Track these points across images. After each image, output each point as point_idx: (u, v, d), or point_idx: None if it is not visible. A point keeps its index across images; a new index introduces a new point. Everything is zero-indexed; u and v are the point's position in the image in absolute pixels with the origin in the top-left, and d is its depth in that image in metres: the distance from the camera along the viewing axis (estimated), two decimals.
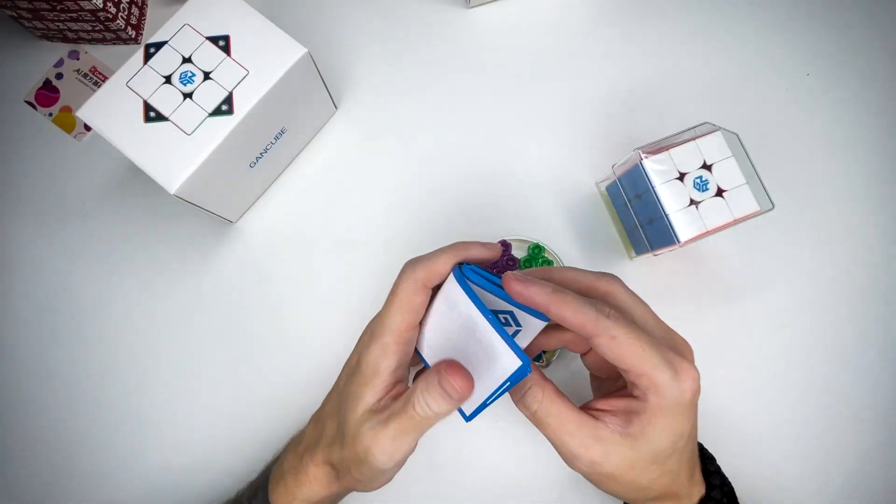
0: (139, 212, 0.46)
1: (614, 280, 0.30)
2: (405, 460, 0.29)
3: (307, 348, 0.44)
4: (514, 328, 0.30)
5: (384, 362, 0.29)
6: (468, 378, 0.26)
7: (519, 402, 0.29)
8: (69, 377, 0.44)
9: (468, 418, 0.29)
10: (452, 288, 0.28)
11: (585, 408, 0.29)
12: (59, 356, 0.44)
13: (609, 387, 0.32)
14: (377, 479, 0.30)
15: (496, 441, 0.43)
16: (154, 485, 0.43)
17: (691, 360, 0.28)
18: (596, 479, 0.28)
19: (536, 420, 0.28)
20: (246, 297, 0.45)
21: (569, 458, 0.28)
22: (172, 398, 0.44)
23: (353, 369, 0.31)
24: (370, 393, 0.29)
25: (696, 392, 0.27)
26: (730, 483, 0.32)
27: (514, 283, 0.27)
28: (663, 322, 0.30)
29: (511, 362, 0.25)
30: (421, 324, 0.30)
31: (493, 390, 0.27)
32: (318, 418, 0.34)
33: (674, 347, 0.28)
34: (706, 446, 0.34)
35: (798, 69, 0.48)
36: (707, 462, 0.33)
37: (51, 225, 0.46)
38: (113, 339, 0.45)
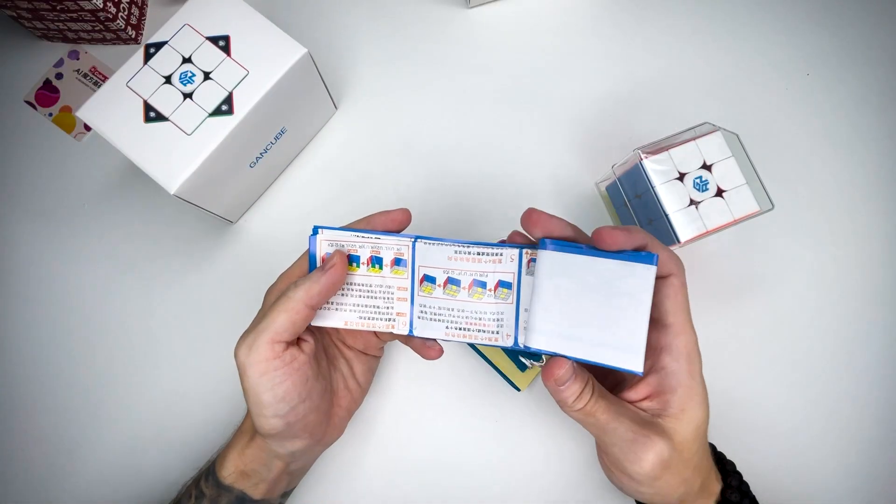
0: (139, 212, 0.46)
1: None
2: (270, 372, 0.29)
3: None
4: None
5: (263, 388, 0.30)
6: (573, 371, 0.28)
7: (571, 398, 0.29)
8: (68, 378, 0.44)
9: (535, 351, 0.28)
10: (553, 261, 0.28)
11: (618, 400, 0.30)
12: (58, 357, 0.45)
13: (610, 381, 0.33)
14: (255, 404, 0.30)
15: (495, 442, 0.43)
16: (152, 486, 0.43)
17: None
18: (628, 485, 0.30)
19: (585, 413, 0.29)
20: (246, 297, 0.45)
21: (621, 452, 0.29)
22: (172, 400, 0.44)
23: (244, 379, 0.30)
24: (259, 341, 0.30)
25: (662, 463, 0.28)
26: (746, 483, 0.33)
27: (608, 234, 0.27)
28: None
29: (633, 363, 0.27)
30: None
31: (584, 358, 0.27)
32: None
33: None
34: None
35: (798, 69, 0.48)
36: (724, 462, 0.33)
37: (50, 225, 0.46)
38: (112, 340, 0.45)
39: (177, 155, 0.36)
